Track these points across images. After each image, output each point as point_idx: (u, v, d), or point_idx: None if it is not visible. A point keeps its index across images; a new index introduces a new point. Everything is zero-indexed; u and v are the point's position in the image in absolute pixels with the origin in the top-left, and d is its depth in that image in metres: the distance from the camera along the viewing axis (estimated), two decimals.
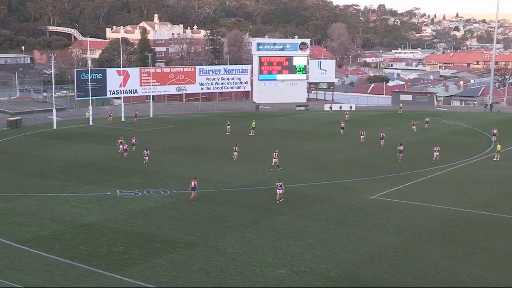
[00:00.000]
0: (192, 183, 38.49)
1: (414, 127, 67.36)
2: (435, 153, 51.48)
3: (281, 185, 38.29)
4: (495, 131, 61.69)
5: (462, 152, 55.07)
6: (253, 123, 66.21)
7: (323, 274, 26.66)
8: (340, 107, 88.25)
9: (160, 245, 30.05)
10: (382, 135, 58.95)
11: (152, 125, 70.92)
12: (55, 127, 68.49)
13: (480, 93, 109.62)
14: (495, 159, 52.35)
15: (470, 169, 48.88)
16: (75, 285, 25.11)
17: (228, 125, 66.52)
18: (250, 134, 64.70)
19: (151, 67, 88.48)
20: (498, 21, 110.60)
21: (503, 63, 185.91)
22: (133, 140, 54.42)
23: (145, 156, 48.79)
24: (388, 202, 38.65)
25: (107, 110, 79.29)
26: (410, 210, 36.82)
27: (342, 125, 66.87)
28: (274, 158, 47.70)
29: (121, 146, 52.80)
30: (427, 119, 71.35)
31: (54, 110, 69.63)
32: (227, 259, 28.23)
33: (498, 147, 53.39)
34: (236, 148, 51.17)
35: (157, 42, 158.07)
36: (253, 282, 25.66)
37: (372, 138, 61.67)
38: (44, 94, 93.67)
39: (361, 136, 61.00)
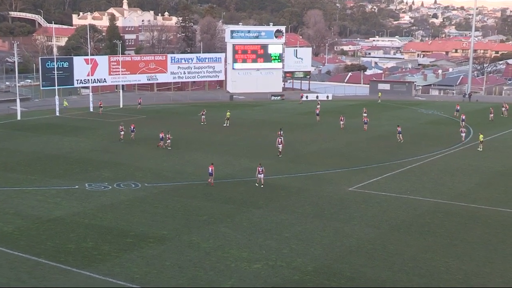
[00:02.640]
0: (210, 169, 39.47)
1: (365, 114, 66.75)
2: (462, 134, 55.40)
3: (262, 169, 38.56)
4: (463, 117, 64.01)
5: (441, 143, 54.94)
6: (228, 113, 65.18)
7: (300, 268, 26.28)
8: (317, 96, 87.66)
9: (131, 240, 29.31)
10: (366, 120, 60.88)
11: (121, 116, 69.14)
12: (19, 118, 66.57)
13: (458, 82, 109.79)
14: (479, 149, 51.91)
15: (448, 160, 48.70)
16: (42, 283, 24.36)
17: (203, 115, 65.41)
18: (225, 124, 63.69)
19: (120, 55, 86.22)
20: (477, 8, 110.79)
21: (482, 51, 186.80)
22: (132, 127, 55.32)
23: (168, 139, 50.93)
24: (366, 194, 38.27)
25: (74, 101, 77.34)
26: (388, 202, 36.48)
27: (317, 111, 67.40)
28: (279, 144, 48.48)
29: (122, 133, 53.95)
30: (458, 107, 72.09)
31: (18, 100, 67.79)
32: (201, 254, 27.64)
33: (481, 137, 53.01)
34: (280, 132, 52.29)
35: (127, 29, 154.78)
36: (227, 277, 25.15)
37: (350, 126, 62.05)
38: (6, 83, 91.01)
39: (341, 122, 61.60)
